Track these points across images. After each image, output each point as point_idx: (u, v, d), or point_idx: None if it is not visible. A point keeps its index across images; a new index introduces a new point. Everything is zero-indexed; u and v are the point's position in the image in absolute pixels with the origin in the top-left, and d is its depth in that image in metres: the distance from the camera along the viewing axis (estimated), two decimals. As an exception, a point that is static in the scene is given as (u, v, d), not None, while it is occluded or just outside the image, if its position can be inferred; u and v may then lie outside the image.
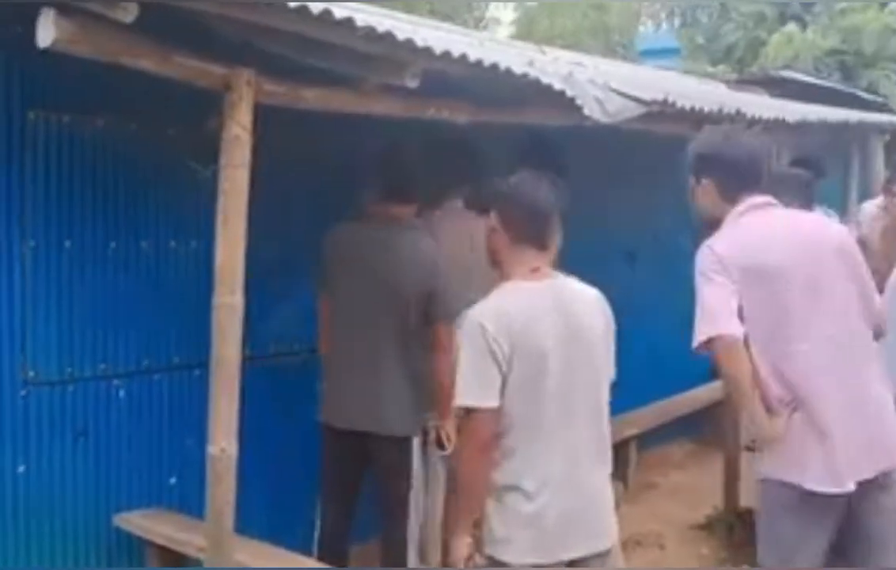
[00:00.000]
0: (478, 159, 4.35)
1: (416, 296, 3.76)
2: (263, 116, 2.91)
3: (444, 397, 3.84)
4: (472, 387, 2.67)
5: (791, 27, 12.28)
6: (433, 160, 4.26)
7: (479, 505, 2.74)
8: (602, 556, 2.80)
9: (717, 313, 2.92)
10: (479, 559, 2.78)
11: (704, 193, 3.19)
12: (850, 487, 2.91)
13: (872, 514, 3.01)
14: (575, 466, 2.73)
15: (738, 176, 3.12)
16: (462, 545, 2.75)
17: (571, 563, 2.73)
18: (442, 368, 3.80)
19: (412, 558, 3.88)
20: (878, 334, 3.15)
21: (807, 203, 4.46)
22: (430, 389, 3.86)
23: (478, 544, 2.77)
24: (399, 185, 3.85)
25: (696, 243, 3.12)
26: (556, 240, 2.82)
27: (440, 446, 3.95)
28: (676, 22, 16.77)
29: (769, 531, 3.07)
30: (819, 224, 3.26)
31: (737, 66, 12.30)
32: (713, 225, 3.19)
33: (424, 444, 3.94)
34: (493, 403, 2.65)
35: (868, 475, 2.95)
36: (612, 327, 2.88)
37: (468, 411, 2.68)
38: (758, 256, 2.98)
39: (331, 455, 3.91)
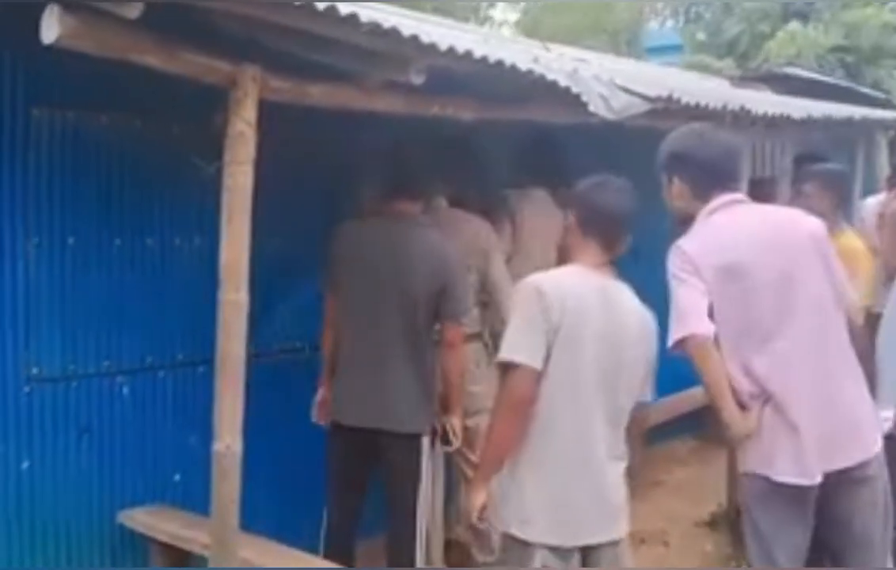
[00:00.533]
0: (477, 158, 4.35)
1: (426, 293, 3.74)
2: (269, 113, 2.91)
3: (451, 393, 3.89)
4: (519, 344, 2.76)
5: (794, 25, 12.28)
6: (436, 158, 4.29)
7: (503, 462, 2.83)
8: (614, 545, 2.87)
9: (687, 314, 2.95)
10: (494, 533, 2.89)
11: (677, 192, 3.19)
12: (818, 479, 2.94)
13: (853, 509, 3.04)
14: (593, 455, 2.81)
15: (711, 175, 3.13)
16: (481, 495, 2.87)
17: (585, 549, 2.82)
18: (450, 364, 3.84)
19: (419, 557, 3.87)
20: (852, 331, 3.15)
21: (844, 199, 4.47)
22: (439, 386, 3.87)
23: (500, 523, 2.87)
24: (406, 181, 3.84)
25: (671, 241, 3.13)
26: (624, 244, 2.96)
27: (446, 442, 3.95)
28: (681, 19, 16.76)
29: (750, 524, 3.11)
30: (790, 217, 3.24)
31: (740, 61, 12.29)
32: (686, 223, 3.19)
33: (433, 442, 3.94)
34: (535, 363, 2.74)
35: (839, 466, 2.97)
36: (653, 351, 2.98)
37: (510, 368, 2.76)
38: (728, 254, 2.99)
39: (338, 453, 3.89)
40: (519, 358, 2.74)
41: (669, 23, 17.66)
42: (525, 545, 2.78)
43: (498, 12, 21.19)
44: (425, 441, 3.84)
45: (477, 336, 4.33)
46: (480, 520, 2.91)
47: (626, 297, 2.93)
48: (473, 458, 4.29)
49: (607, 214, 2.94)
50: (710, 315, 2.96)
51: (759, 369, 2.97)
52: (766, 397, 2.97)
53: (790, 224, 3.15)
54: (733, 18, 13.87)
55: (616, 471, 2.89)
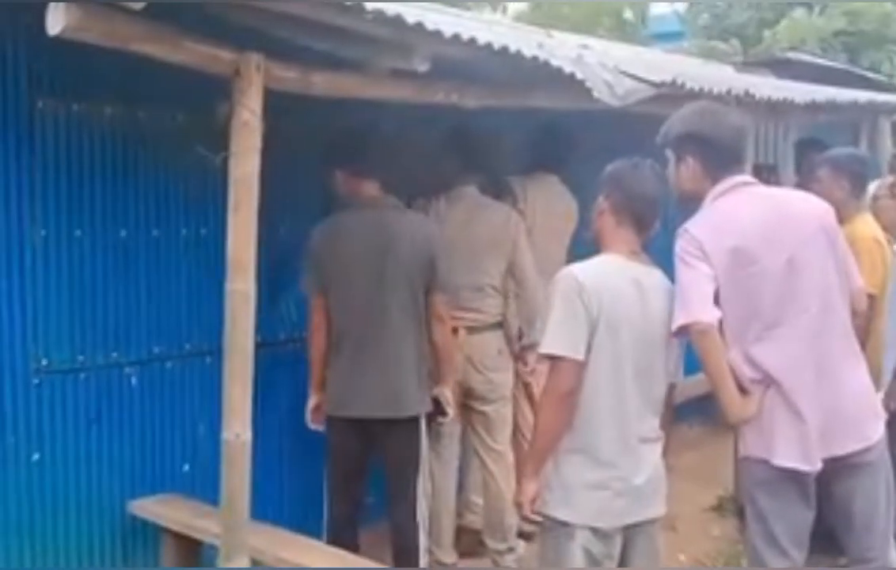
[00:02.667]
0: (484, 147, 4.36)
1: (416, 268, 3.78)
2: (274, 102, 2.91)
3: (443, 365, 3.93)
4: (560, 337, 2.79)
5: (799, 12, 12.29)
6: (443, 147, 4.30)
7: (551, 453, 2.86)
8: (652, 523, 2.94)
9: (692, 300, 2.93)
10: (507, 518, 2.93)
11: (688, 172, 3.15)
12: (818, 465, 2.95)
13: (853, 494, 3.05)
14: (633, 439, 2.85)
15: (723, 155, 3.10)
16: (531, 487, 2.89)
17: (626, 528, 2.86)
18: (440, 336, 3.88)
19: (423, 539, 3.89)
20: (854, 312, 3.16)
21: (859, 184, 4.45)
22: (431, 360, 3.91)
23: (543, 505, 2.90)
24: (360, 160, 3.82)
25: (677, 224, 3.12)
26: (655, 225, 2.97)
27: (442, 412, 3.97)
28: (683, 5, 16.66)
29: (751, 508, 3.11)
30: (799, 201, 3.21)
31: (745, 47, 12.27)
32: (688, 202, 3.18)
33: (430, 423, 3.96)
34: (579, 355, 2.78)
35: (840, 452, 2.98)
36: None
37: (555, 360, 2.79)
38: (738, 239, 2.97)
39: (337, 446, 3.90)
40: (562, 351, 2.78)
41: (676, 6, 17.53)
42: (566, 526, 2.83)
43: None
44: (423, 423, 3.87)
45: (498, 324, 4.34)
46: (533, 511, 2.92)
47: (659, 283, 2.95)
48: (496, 446, 4.32)
49: (642, 198, 2.94)
50: (716, 300, 2.95)
51: (763, 354, 2.96)
52: (767, 382, 2.97)
53: (799, 208, 3.12)
54: (741, 5, 13.84)
55: (655, 452, 2.93)
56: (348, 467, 3.90)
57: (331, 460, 3.94)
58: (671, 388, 3.00)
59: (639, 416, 2.86)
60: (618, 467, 2.82)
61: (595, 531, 2.81)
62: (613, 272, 2.87)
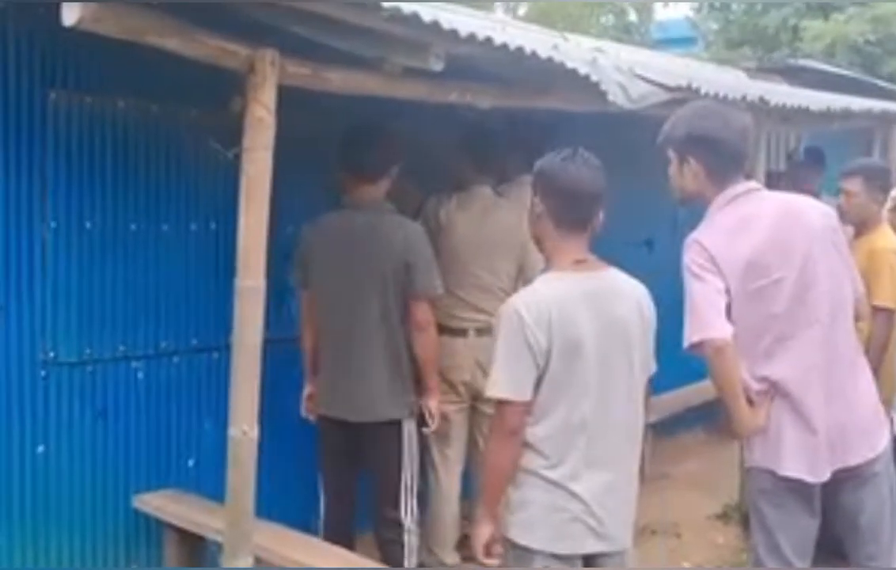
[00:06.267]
0: (501, 146, 4.34)
1: (391, 271, 3.73)
2: (287, 98, 2.89)
3: (425, 376, 3.89)
4: (505, 379, 2.65)
5: (819, 22, 12.28)
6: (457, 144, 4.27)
7: (503, 492, 2.74)
8: (614, 556, 2.77)
9: (705, 315, 2.87)
10: (498, 548, 2.78)
11: (691, 174, 3.06)
12: (826, 476, 2.92)
13: (860, 505, 3.02)
14: (605, 460, 2.71)
15: (727, 157, 3.01)
16: (484, 531, 2.76)
17: (588, 557, 2.73)
18: (421, 346, 3.82)
19: (412, 540, 3.87)
20: (856, 317, 3.13)
21: (885, 194, 4.41)
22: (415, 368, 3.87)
23: (504, 528, 2.76)
24: (362, 161, 3.80)
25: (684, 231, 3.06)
26: (598, 219, 2.76)
27: (424, 423, 3.94)
28: (704, 8, 16.57)
29: (756, 517, 3.08)
30: (808, 208, 3.12)
31: (766, 53, 12.26)
32: (689, 203, 3.13)
33: (420, 427, 3.94)
34: (525, 396, 2.64)
35: (848, 463, 2.96)
36: (653, 321, 2.84)
37: (500, 401, 2.68)
38: (750, 249, 2.91)
39: (327, 445, 3.92)
40: (505, 393, 2.65)
41: (688, 11, 17.49)
42: (526, 550, 2.71)
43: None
44: (406, 426, 3.83)
45: None
46: (487, 555, 2.77)
47: (614, 285, 2.78)
48: None
49: (580, 194, 2.72)
50: (728, 312, 2.89)
51: (774, 366, 2.93)
52: (773, 393, 2.94)
53: (808, 214, 3.06)
54: (769, 11, 13.84)
55: (627, 473, 2.78)
56: (337, 466, 3.92)
57: (321, 458, 3.96)
58: (649, 381, 2.87)
59: (604, 438, 2.70)
60: (574, 491, 2.66)
61: (553, 555, 2.68)
62: (561, 294, 2.67)
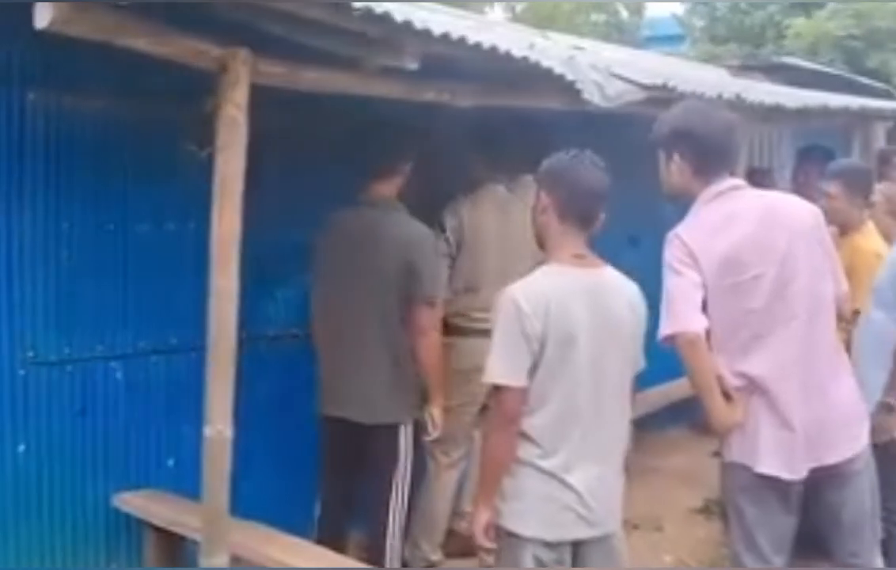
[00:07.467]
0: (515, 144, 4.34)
1: (393, 273, 3.71)
2: (262, 98, 2.90)
3: (428, 382, 3.86)
4: (501, 365, 2.74)
5: (801, 20, 12.32)
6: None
7: (500, 478, 2.80)
8: (607, 539, 2.85)
9: (679, 309, 2.91)
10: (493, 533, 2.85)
11: (677, 170, 3.10)
12: (803, 474, 2.94)
13: (841, 502, 3.05)
14: (596, 451, 2.79)
15: (713, 154, 3.05)
16: (483, 516, 2.84)
17: (576, 543, 2.80)
18: (423, 351, 3.80)
19: (394, 544, 3.86)
20: (839, 317, 3.15)
21: (867, 195, 4.42)
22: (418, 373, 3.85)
23: (496, 515, 2.84)
24: (380, 161, 3.82)
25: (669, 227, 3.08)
26: (599, 218, 2.85)
27: (423, 431, 3.93)
28: (691, 5, 16.63)
29: (734, 513, 3.11)
30: (790, 205, 3.16)
31: (753, 50, 12.31)
32: (677, 200, 3.16)
33: (417, 434, 3.93)
34: (520, 382, 2.72)
35: (827, 461, 2.97)
36: (643, 321, 2.92)
37: (497, 388, 2.75)
38: (729, 247, 2.94)
39: (326, 444, 3.93)
40: (503, 379, 2.73)
41: (674, 9, 17.54)
42: (517, 537, 2.78)
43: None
44: (404, 432, 3.82)
45: None
46: (486, 539, 2.85)
47: (610, 282, 2.87)
48: None
49: (586, 192, 2.83)
50: (704, 307, 2.92)
51: (751, 363, 2.95)
52: (751, 389, 2.96)
53: (790, 212, 3.09)
54: (755, 8, 13.89)
55: (611, 467, 2.85)
56: (334, 465, 3.92)
57: (321, 455, 3.96)
58: (636, 377, 2.94)
59: (596, 430, 2.78)
60: (567, 481, 2.74)
61: (545, 542, 2.76)
62: (559, 286, 2.77)
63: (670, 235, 3.02)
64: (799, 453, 2.94)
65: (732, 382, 2.96)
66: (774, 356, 2.94)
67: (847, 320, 3.29)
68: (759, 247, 2.96)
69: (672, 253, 2.97)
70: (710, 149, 3.05)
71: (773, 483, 2.97)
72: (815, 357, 2.98)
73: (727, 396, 2.96)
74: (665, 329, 2.92)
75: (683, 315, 2.90)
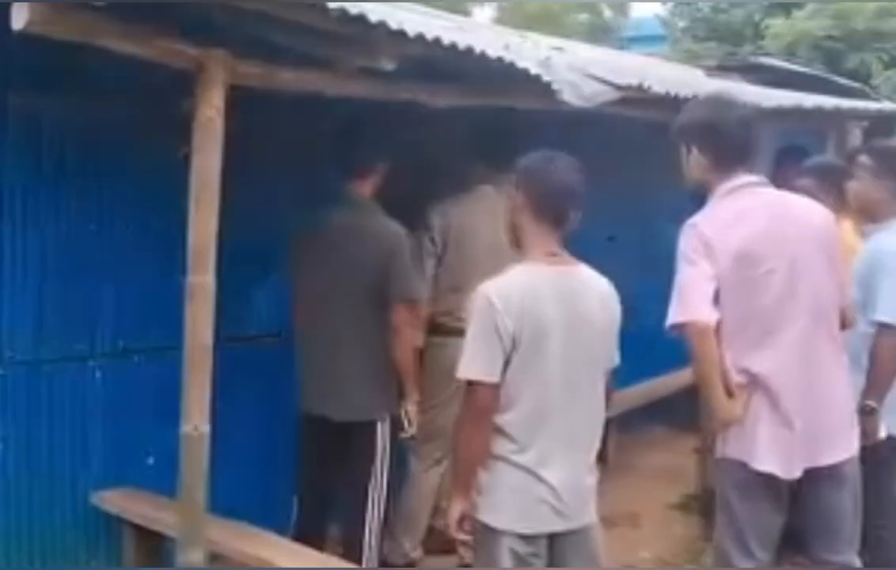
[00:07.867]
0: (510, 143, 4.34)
1: (369, 272, 3.74)
2: (240, 99, 2.92)
3: (403, 379, 3.90)
4: (474, 360, 2.77)
5: (780, 20, 12.40)
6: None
7: (474, 473, 2.84)
8: (579, 533, 2.88)
9: (690, 298, 2.93)
10: (469, 525, 2.89)
11: (695, 162, 3.13)
12: (798, 473, 2.98)
13: (828, 504, 3.08)
14: (569, 446, 2.83)
15: (727, 145, 3.07)
16: (456, 510, 2.88)
17: (552, 536, 2.84)
18: (398, 349, 3.83)
19: (372, 545, 3.87)
20: (844, 323, 3.16)
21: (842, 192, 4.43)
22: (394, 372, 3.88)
23: (473, 509, 2.87)
24: (356, 161, 3.85)
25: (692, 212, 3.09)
26: (574, 218, 2.88)
27: (400, 428, 3.95)
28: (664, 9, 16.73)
29: (725, 509, 3.13)
30: (804, 207, 3.19)
31: (732, 50, 12.37)
32: (699, 195, 3.16)
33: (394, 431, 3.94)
34: (493, 378, 2.76)
35: (822, 462, 3.01)
36: (617, 318, 2.95)
37: (470, 384, 2.78)
38: (744, 241, 2.97)
39: (304, 442, 3.95)
40: (476, 375, 2.76)
41: (657, 9, 17.61)
42: (493, 530, 2.82)
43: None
44: (381, 429, 3.85)
45: None
46: (461, 531, 2.89)
47: (583, 280, 2.90)
48: None
49: (560, 191, 2.85)
50: (716, 300, 2.94)
51: (756, 359, 2.97)
52: (753, 386, 2.98)
53: (803, 214, 3.12)
54: (736, 8, 13.96)
55: (584, 461, 2.90)
56: (312, 463, 3.94)
57: (299, 453, 3.98)
58: (611, 373, 2.98)
59: (569, 426, 2.82)
60: (546, 472, 2.78)
61: (520, 535, 2.79)
62: (532, 284, 2.80)
63: (686, 225, 3.04)
64: (796, 453, 2.97)
65: (736, 377, 2.98)
66: (780, 354, 2.97)
67: (849, 328, 3.29)
68: (772, 242, 2.98)
69: (687, 243, 3.00)
70: (728, 144, 3.07)
71: (767, 481, 2.99)
72: (817, 359, 3.01)
73: (729, 391, 2.99)
74: (675, 317, 2.95)
75: (694, 305, 2.92)
